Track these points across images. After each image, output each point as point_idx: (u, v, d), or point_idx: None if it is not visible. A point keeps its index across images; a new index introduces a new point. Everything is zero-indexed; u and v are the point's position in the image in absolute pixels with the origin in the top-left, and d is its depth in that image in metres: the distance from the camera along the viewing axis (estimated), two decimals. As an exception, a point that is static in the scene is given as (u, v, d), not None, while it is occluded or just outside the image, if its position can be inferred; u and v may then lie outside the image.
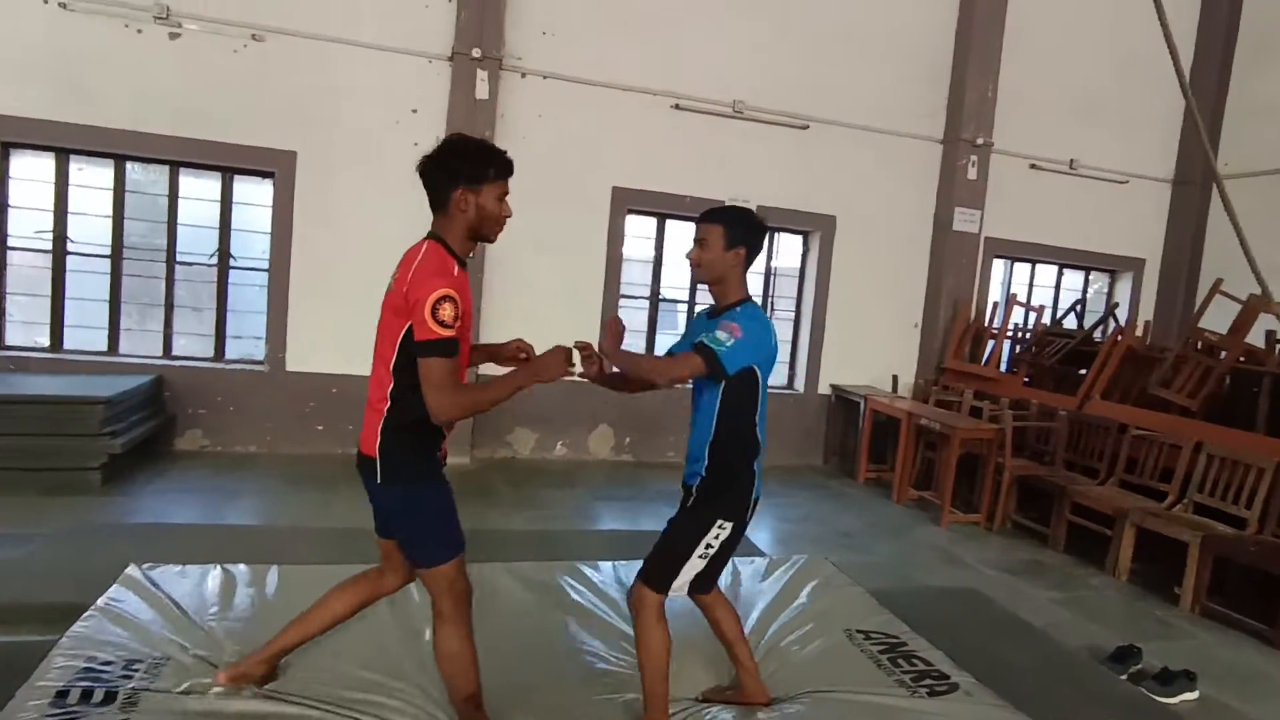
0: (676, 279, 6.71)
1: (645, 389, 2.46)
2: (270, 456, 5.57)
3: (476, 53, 5.55)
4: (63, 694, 2.15)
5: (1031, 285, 7.86)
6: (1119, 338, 5.82)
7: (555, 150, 6.00)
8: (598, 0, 6.01)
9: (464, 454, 5.91)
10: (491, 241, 2.16)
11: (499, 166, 2.05)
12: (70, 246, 5.46)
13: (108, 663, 2.33)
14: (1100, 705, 2.91)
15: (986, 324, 6.90)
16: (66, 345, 5.52)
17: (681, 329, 6.82)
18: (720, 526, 2.23)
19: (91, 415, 4.61)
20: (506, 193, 2.09)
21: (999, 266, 7.63)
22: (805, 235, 6.99)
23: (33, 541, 3.60)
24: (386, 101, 5.63)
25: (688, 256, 2.32)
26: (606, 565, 3.55)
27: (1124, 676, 3.31)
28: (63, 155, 5.37)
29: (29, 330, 5.51)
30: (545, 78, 5.93)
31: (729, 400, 2.21)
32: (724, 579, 3.50)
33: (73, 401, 4.62)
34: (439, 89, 5.66)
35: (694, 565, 2.25)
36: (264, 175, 5.60)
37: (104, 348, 5.56)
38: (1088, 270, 8.09)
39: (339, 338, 5.42)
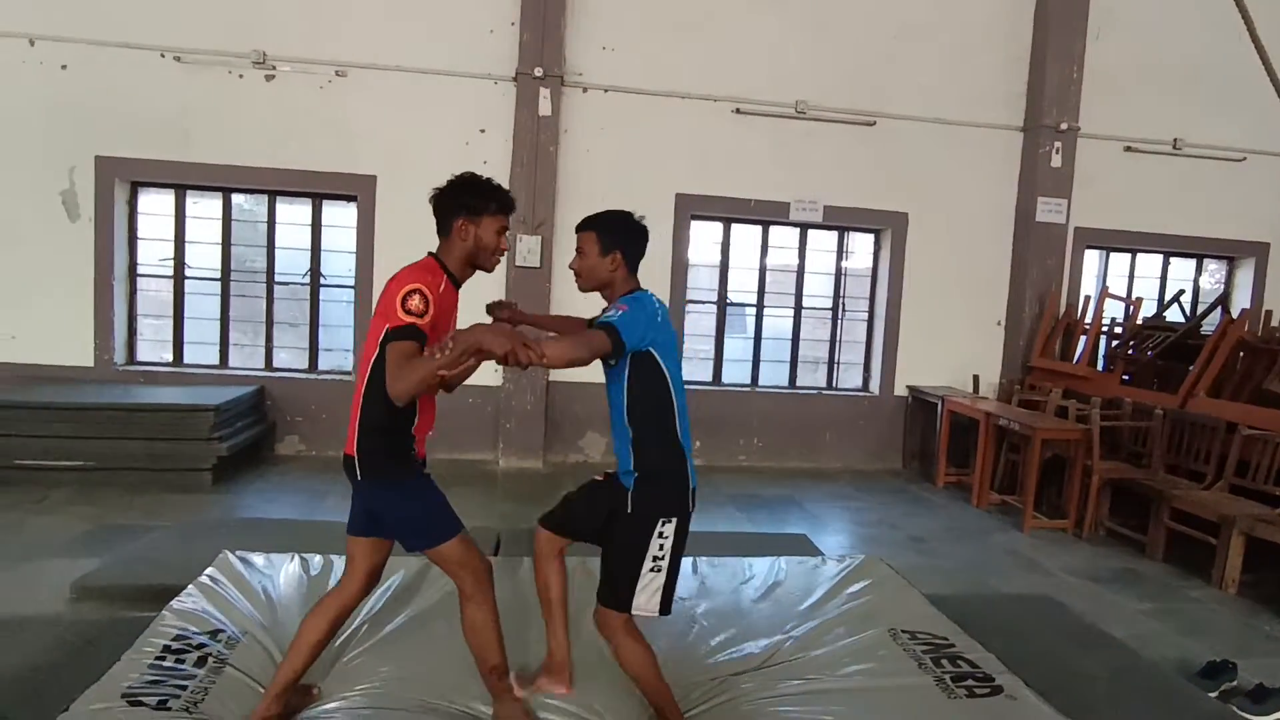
0: (743, 283, 6.72)
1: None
2: (359, 460, 5.98)
3: (539, 71, 5.80)
4: (160, 657, 2.45)
5: (1132, 276, 7.35)
6: (1227, 329, 5.37)
7: (618, 160, 6.17)
8: (655, 11, 6.14)
9: (536, 459, 6.14)
10: (489, 271, 2.33)
11: (500, 202, 2.25)
12: (188, 272, 6.09)
13: (197, 633, 2.62)
14: (1178, 716, 2.72)
15: (1078, 319, 6.52)
16: (186, 360, 6.15)
17: (750, 332, 6.84)
18: (663, 526, 2.19)
19: (202, 422, 5.13)
20: (505, 228, 2.28)
21: (1093, 258, 7.19)
22: (876, 234, 6.85)
23: (152, 532, 4.09)
24: (457, 123, 5.97)
25: (570, 267, 2.32)
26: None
27: (1213, 694, 3.08)
28: (180, 191, 6.00)
29: (156, 348, 6.17)
30: (606, 91, 6.11)
31: (635, 393, 2.18)
32: (773, 575, 3.54)
33: (187, 410, 5.16)
34: (505, 108, 5.94)
35: (649, 579, 2.19)
36: (348, 199, 6.06)
37: (216, 361, 6.15)
38: (1200, 258, 7.48)
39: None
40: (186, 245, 6.08)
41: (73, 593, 3.34)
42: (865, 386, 6.95)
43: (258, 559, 3.27)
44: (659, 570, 2.20)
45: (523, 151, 5.92)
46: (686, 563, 3.46)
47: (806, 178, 6.44)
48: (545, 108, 5.88)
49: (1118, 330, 6.49)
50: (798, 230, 6.73)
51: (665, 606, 2.24)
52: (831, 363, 6.96)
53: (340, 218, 6.16)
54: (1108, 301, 6.41)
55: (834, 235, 6.84)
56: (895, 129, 6.50)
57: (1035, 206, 6.60)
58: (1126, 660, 3.20)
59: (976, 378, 6.63)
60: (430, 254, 2.27)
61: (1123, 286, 7.24)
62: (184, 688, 2.28)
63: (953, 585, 4.15)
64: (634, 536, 2.20)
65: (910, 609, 3.16)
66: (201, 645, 2.53)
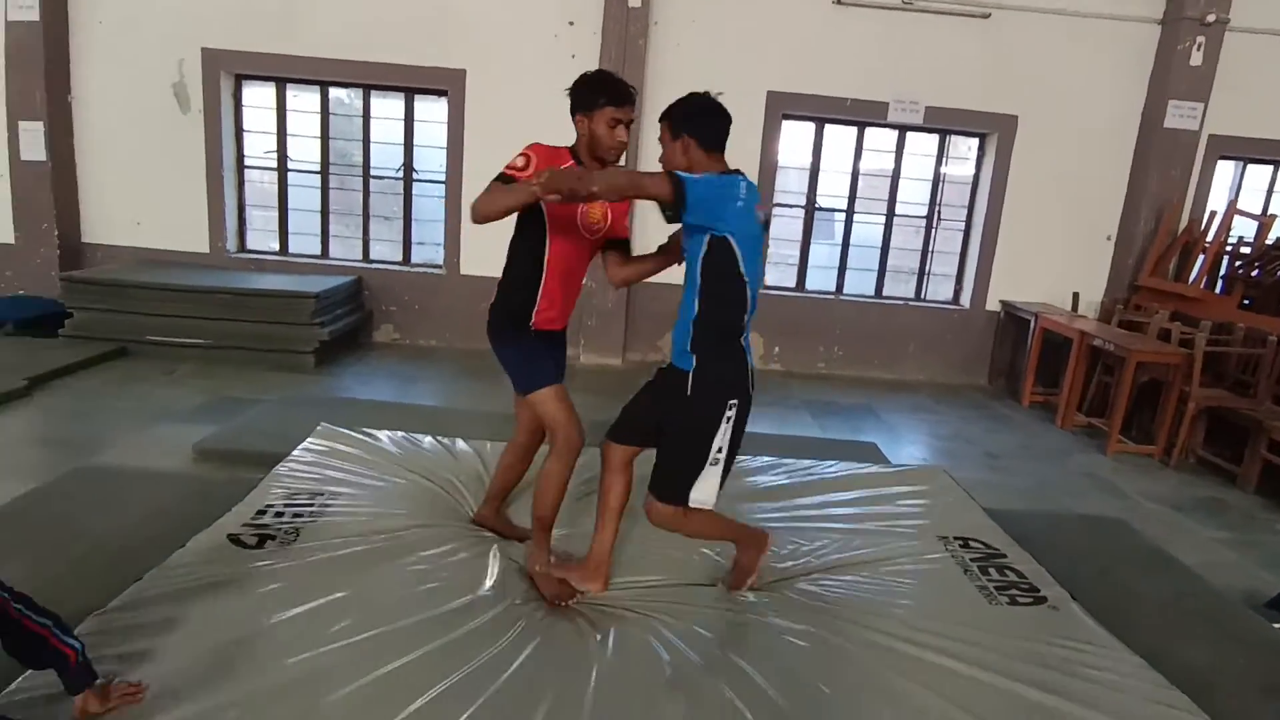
0: (834, 187, 6.48)
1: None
2: (447, 350, 6.30)
3: (629, -41, 5.58)
4: (261, 510, 2.77)
5: (1271, 191, 6.66)
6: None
7: (709, 56, 5.94)
8: (754, -109, 5.74)
9: (616, 356, 6.29)
10: (610, 162, 2.43)
11: (610, 96, 2.34)
12: (290, 165, 6.36)
13: (294, 492, 2.93)
14: (1233, 645, 2.67)
15: (1198, 236, 6.00)
16: (291, 250, 6.52)
17: (837, 238, 6.64)
18: (729, 410, 2.20)
19: (305, 308, 5.49)
20: (620, 120, 2.36)
21: (1226, 170, 6.53)
22: (981, 138, 6.41)
23: (260, 405, 4.48)
24: (545, 17, 5.86)
25: (659, 161, 2.32)
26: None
27: (1279, 624, 3.00)
28: (281, 84, 6.20)
29: (263, 237, 6.55)
30: (699, -20, 5.84)
31: (708, 277, 2.17)
32: (831, 478, 3.59)
33: (291, 296, 5.52)
34: (594, 1, 5.77)
35: (710, 471, 2.22)
36: (439, 94, 6.11)
37: (318, 252, 6.50)
38: (1358, 172, 6.69)
39: (505, 243, 5.90)
40: (288, 138, 6.32)
41: (194, 453, 3.75)
42: (955, 299, 6.70)
43: (351, 432, 3.57)
44: (717, 462, 2.21)
45: (611, 45, 5.78)
46: (745, 461, 3.55)
47: (909, 76, 6.04)
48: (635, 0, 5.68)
49: (1244, 250, 5.95)
50: (895, 132, 6.38)
51: (721, 485, 2.29)
52: (921, 273, 6.71)
53: (432, 113, 6.24)
54: (1235, 218, 5.86)
55: (934, 139, 6.46)
56: (1012, 22, 5.97)
57: (1165, 110, 6.00)
58: (1189, 585, 3.14)
59: (1076, 295, 6.27)
60: (571, 146, 2.45)
61: (1258, 203, 6.57)
62: (279, 531, 2.60)
63: (1020, 502, 4.11)
64: (698, 421, 2.21)
65: (965, 519, 3.18)
66: (298, 502, 2.83)
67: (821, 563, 2.79)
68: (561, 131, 2.50)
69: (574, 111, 2.40)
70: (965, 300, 6.60)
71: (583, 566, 2.52)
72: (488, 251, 6.12)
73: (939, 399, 6.12)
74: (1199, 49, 5.90)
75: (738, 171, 2.20)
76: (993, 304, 6.51)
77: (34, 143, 5.89)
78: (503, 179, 2.27)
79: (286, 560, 2.44)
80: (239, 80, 6.19)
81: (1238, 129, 6.19)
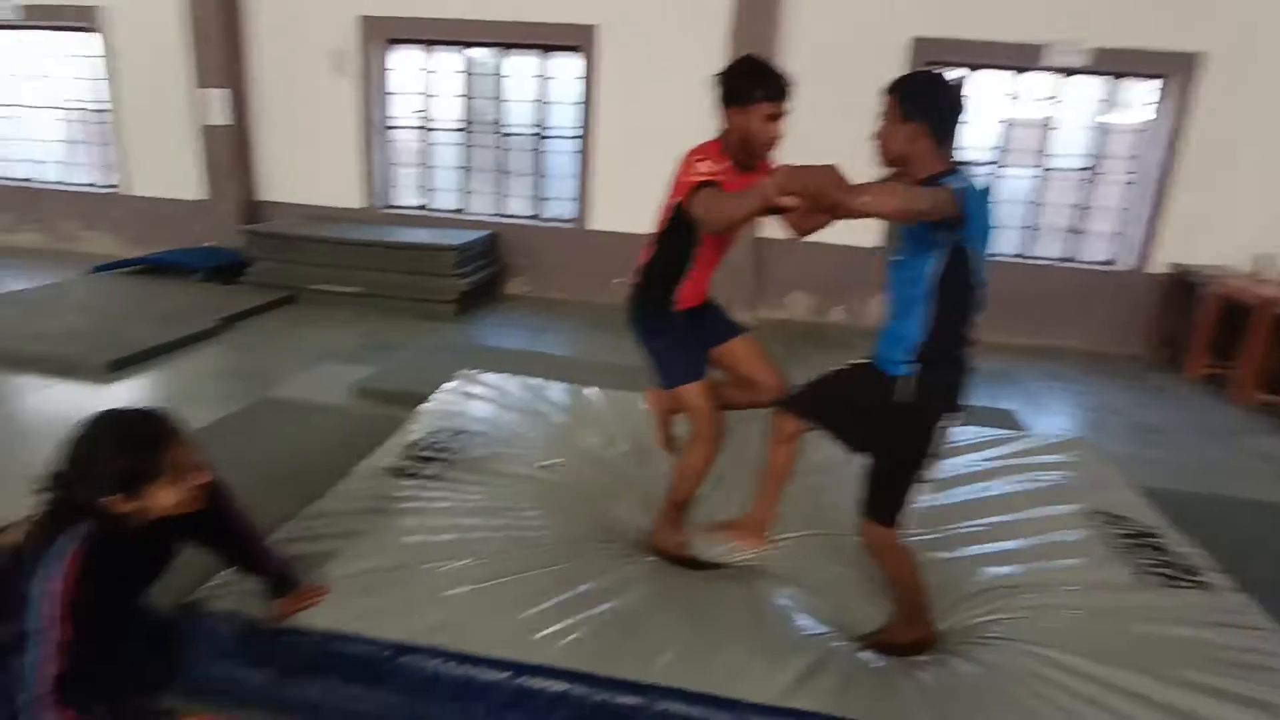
0: (983, 139, 6.06)
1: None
2: (577, 303, 6.50)
3: (766, -99, 5.37)
4: (410, 445, 3.03)
5: None
6: None
7: (849, 1, 5.67)
8: None
9: (743, 313, 6.26)
10: (762, 157, 2.32)
11: (768, 89, 2.20)
12: (431, 124, 6.69)
13: (439, 430, 3.18)
14: None
15: None
16: (433, 205, 6.90)
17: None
18: (941, 428, 2.04)
19: (446, 259, 5.83)
20: (778, 115, 2.23)
21: None
22: (1162, 80, 5.76)
23: (407, 349, 4.88)
24: (677, -33, 5.77)
25: (873, 135, 2.04)
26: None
27: None
28: (425, 46, 6.50)
29: (409, 193, 6.97)
30: (840, -81, 5.54)
31: (948, 281, 1.94)
32: (964, 443, 3.45)
33: (434, 249, 5.88)
34: (729, -53, 5.63)
35: (916, 490, 2.10)
36: (573, 50, 6.19)
37: (457, 207, 6.84)
38: None
39: (634, 199, 5.89)
40: (431, 99, 6.64)
41: (353, 391, 4.15)
42: (1114, 260, 6.15)
43: (489, 376, 3.80)
44: (921, 479, 2.07)
45: (744, -6, 5.63)
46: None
47: (1075, 12, 5.50)
48: (771, -57, 5.48)
49: None
50: (1055, 77, 5.86)
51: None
52: (1078, 231, 6.19)
53: (565, 70, 6.35)
54: None
55: (1100, 83, 5.87)
56: (1205, -59, 5.28)
57: (1396, 40, 5.15)
58: (1380, 585, 2.80)
59: (1267, 257, 5.58)
60: (717, 138, 2.33)
61: None
62: (428, 463, 2.84)
63: (1179, 482, 3.78)
64: (913, 434, 2.04)
65: (1113, 494, 2.97)
66: (442, 439, 3.07)
67: (955, 533, 2.71)
68: (694, 86, 2.46)
69: (725, 102, 2.25)
70: (1128, 260, 6.04)
71: (742, 525, 2.57)
72: (616, 206, 6.30)
73: (1089, 368, 5.69)
74: None
75: (954, 168, 1.95)
76: (1159, 266, 5.92)
77: (219, 108, 6.52)
78: (705, 184, 2.16)
79: (436, 487, 2.68)
80: (388, 45, 6.54)
81: None
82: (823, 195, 1.77)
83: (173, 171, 6.92)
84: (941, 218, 1.82)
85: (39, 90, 7.31)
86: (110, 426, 1.66)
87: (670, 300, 2.44)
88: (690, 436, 2.53)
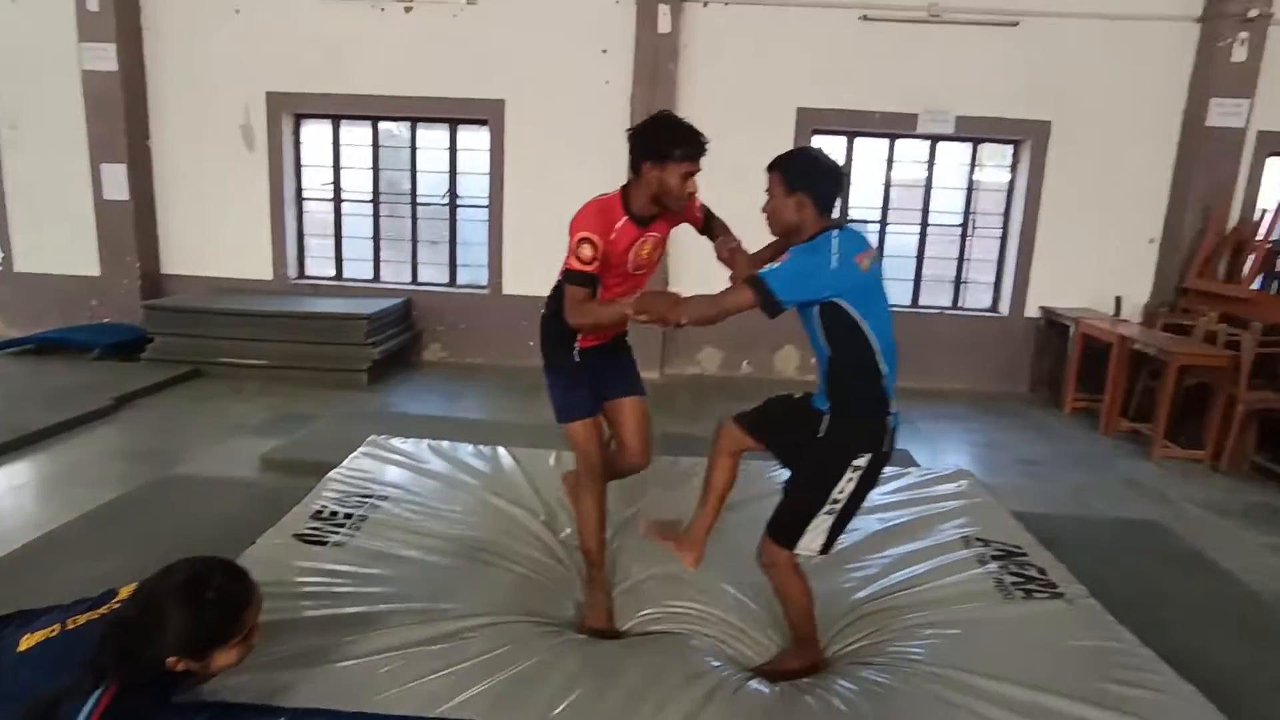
0: (867, 199, 6.55)
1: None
2: (492, 367, 6.58)
3: (657, -13, 5.81)
4: (317, 513, 3.03)
5: (1329, 187, 6.45)
6: None
7: (739, 75, 6.12)
8: (779, -83, 5.92)
9: (654, 369, 6.46)
10: (677, 211, 2.42)
11: (686, 148, 2.27)
12: (344, 195, 6.77)
13: (349, 495, 3.19)
14: (1267, 648, 2.67)
15: (1250, 235, 5.86)
16: (346, 275, 6.92)
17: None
18: (854, 466, 2.13)
19: (358, 328, 5.84)
20: (692, 172, 2.31)
21: (1277, 167, 6.36)
22: (1014, 145, 6.40)
23: (318, 420, 4.81)
24: (579, 45, 6.12)
25: (762, 210, 2.22)
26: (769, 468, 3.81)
27: (1320, 627, 2.96)
28: (336, 120, 6.63)
29: (321, 264, 6.97)
30: (727, 4, 6.02)
31: (830, 332, 2.09)
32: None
33: (345, 318, 5.88)
34: (626, 27, 6.01)
35: (821, 520, 2.17)
36: (481, 123, 6.43)
37: (371, 276, 6.88)
38: None
39: (545, 264, 6.09)
40: (342, 171, 6.74)
41: (261, 463, 4.09)
42: (994, 307, 6.68)
43: (398, 442, 3.83)
44: (833, 513, 2.17)
45: (643, 70, 6.00)
46: (775, 468, 3.67)
47: (937, 86, 6.10)
48: (665, 24, 5.90)
49: (1299, 249, 5.79)
50: (927, 143, 6.43)
51: (827, 546, 2.23)
52: (958, 282, 6.72)
53: (474, 141, 6.57)
54: (1287, 216, 5.72)
55: (966, 147, 6.48)
56: (1041, 28, 5.98)
57: (1207, 108, 5.91)
58: (1223, 586, 3.14)
59: (1119, 299, 6.19)
60: (622, 187, 2.40)
61: (1314, 199, 6.38)
62: (337, 531, 2.85)
63: (1055, 507, 4.12)
64: (823, 467, 2.16)
65: (989, 520, 3.22)
66: (351, 505, 3.08)
67: (843, 564, 2.87)
68: (597, 154, 2.58)
69: (642, 158, 2.30)
70: (1004, 308, 6.57)
71: (679, 537, 2.56)
72: (528, 271, 6.47)
73: (977, 408, 6.10)
74: (1242, 44, 5.81)
75: (833, 227, 2.09)
76: (1032, 311, 6.47)
77: (116, 183, 6.42)
78: (580, 278, 2.30)
79: (341, 552, 2.69)
80: (298, 119, 6.63)
81: (1287, 124, 6.05)
82: (664, 317, 2.16)
83: (68, 248, 6.72)
84: (749, 308, 2.03)
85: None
86: (191, 587, 1.60)
87: (574, 336, 2.50)
88: (578, 481, 2.59)
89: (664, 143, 2.27)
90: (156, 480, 3.75)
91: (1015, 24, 5.96)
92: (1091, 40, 5.98)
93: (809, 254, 2.04)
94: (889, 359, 2.11)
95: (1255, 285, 5.80)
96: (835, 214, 2.19)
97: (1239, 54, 5.83)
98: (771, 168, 2.18)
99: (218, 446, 4.42)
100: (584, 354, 2.54)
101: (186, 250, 6.76)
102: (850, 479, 2.14)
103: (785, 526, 2.23)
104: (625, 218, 2.36)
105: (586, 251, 2.28)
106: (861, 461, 2.13)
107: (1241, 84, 5.87)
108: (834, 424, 2.16)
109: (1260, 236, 5.74)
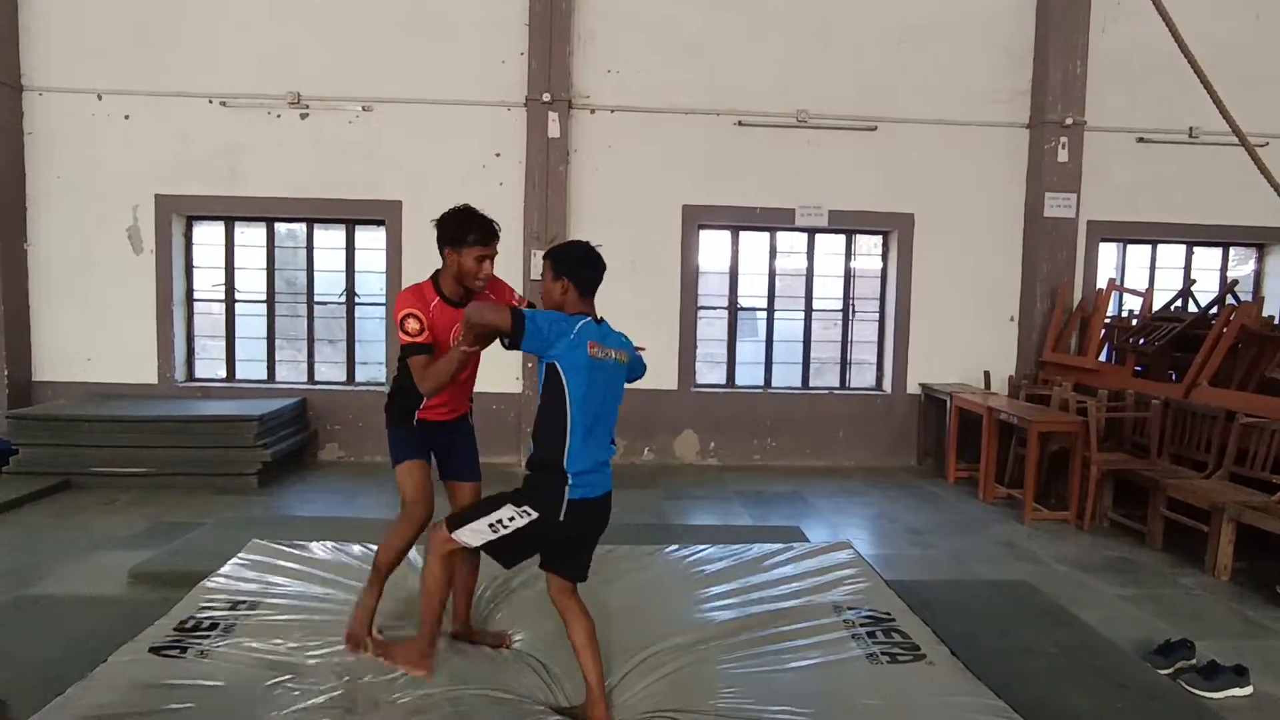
0: (753, 288, 6.95)
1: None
2: (390, 465, 6.44)
3: (547, 96, 6.19)
4: (183, 621, 2.89)
5: (1154, 267, 7.27)
6: (1231, 318, 5.35)
7: (626, 176, 6.50)
8: (656, 33, 6.46)
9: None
10: (477, 290, 2.65)
11: (478, 233, 2.59)
12: (237, 295, 6.69)
13: (218, 603, 3.05)
14: (1119, 693, 2.85)
15: (1092, 313, 6.52)
16: (238, 376, 6.74)
17: (761, 335, 7.05)
18: (522, 511, 2.32)
19: (248, 431, 5.66)
20: (487, 255, 2.61)
21: (1110, 251, 7.15)
22: (884, 235, 6.98)
23: (200, 528, 4.58)
24: (473, 149, 6.40)
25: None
26: (662, 549, 3.92)
27: (1166, 671, 3.19)
28: (229, 222, 6.61)
29: (212, 365, 6.78)
30: (613, 111, 6.46)
31: (544, 397, 2.33)
32: (745, 556, 3.77)
33: (234, 420, 5.70)
34: (518, 133, 6.35)
35: (481, 527, 2.37)
36: (378, 224, 6.55)
37: (264, 376, 6.73)
38: (1226, 246, 7.35)
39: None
40: (236, 271, 6.68)
41: (129, 578, 3.85)
42: (878, 385, 7.08)
43: (281, 545, 3.71)
44: (495, 531, 2.37)
45: (535, 172, 6.31)
46: (649, 548, 3.80)
47: (810, 184, 6.64)
48: (554, 130, 6.26)
49: (1135, 323, 6.46)
50: (805, 235, 6.93)
51: (498, 559, 2.52)
52: (843, 363, 7.12)
53: (371, 241, 6.67)
54: (1127, 294, 6.39)
55: (841, 238, 7.02)
56: (898, 132, 6.65)
57: (1043, 202, 6.64)
58: (1082, 638, 3.34)
59: (987, 374, 6.69)
60: (432, 274, 2.68)
61: (1144, 279, 7.17)
62: (199, 641, 2.73)
63: (935, 572, 4.33)
64: (508, 493, 2.39)
65: (861, 589, 3.36)
66: (220, 613, 2.96)
67: (717, 640, 2.93)
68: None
69: (442, 245, 2.62)
70: (887, 386, 6.99)
71: (408, 649, 2.62)
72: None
73: (869, 482, 6.37)
74: (1064, 147, 6.62)
75: (591, 318, 2.38)
76: (913, 387, 6.90)
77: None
78: (415, 349, 2.51)
79: (200, 669, 2.56)
80: (190, 221, 6.59)
81: (1112, 214, 6.84)
82: (477, 326, 2.30)
83: (-72, 358, 6.33)
84: (501, 328, 2.26)
85: None
86: None
87: (412, 411, 2.74)
88: (399, 517, 2.78)
89: (459, 229, 2.59)
90: (8, 600, 3.48)
91: (874, 128, 6.62)
92: (941, 142, 6.68)
93: (560, 322, 2.33)
94: (584, 436, 2.32)
95: (1101, 357, 6.41)
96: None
97: (1063, 155, 6.63)
98: (545, 256, 2.48)
99: (83, 562, 4.14)
100: (421, 424, 2.77)
101: (63, 356, 6.47)
102: (515, 518, 2.35)
103: (461, 513, 2.49)
104: (437, 298, 2.63)
105: (412, 325, 2.52)
106: (526, 513, 2.34)
107: (1067, 180, 6.64)
108: (530, 472, 2.40)
109: (1096, 312, 6.37)
